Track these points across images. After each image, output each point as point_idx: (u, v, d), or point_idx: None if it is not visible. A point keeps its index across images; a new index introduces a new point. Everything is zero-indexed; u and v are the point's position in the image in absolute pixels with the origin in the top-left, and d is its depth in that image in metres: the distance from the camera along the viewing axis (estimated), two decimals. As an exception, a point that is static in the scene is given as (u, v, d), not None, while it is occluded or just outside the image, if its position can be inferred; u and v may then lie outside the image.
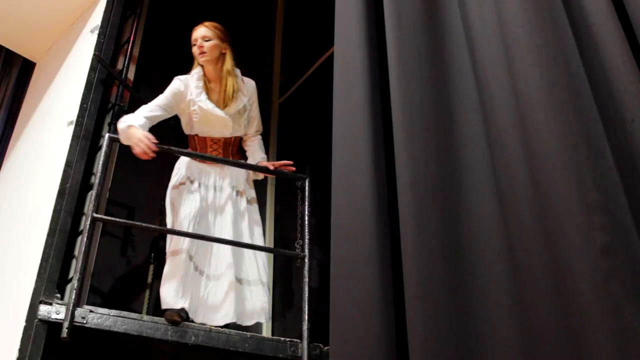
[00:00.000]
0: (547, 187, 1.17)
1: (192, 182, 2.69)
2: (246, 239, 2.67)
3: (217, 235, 2.62)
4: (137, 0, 3.32)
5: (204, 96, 2.69)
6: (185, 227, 2.53)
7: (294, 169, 2.78)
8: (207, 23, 2.76)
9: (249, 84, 2.86)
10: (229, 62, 2.74)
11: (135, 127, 2.49)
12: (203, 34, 2.72)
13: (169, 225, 2.63)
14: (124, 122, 2.52)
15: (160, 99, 2.66)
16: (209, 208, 2.67)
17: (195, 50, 2.73)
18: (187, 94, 2.69)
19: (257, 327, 3.07)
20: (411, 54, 1.60)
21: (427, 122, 1.50)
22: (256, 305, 2.57)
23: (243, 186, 2.79)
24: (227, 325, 2.46)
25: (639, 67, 1.17)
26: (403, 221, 1.41)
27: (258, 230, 2.75)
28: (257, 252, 2.68)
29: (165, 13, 3.45)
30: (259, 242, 2.74)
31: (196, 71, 2.75)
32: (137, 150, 2.46)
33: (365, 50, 1.74)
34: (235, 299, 2.50)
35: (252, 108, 2.86)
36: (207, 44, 2.70)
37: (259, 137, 2.95)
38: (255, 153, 2.86)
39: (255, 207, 2.81)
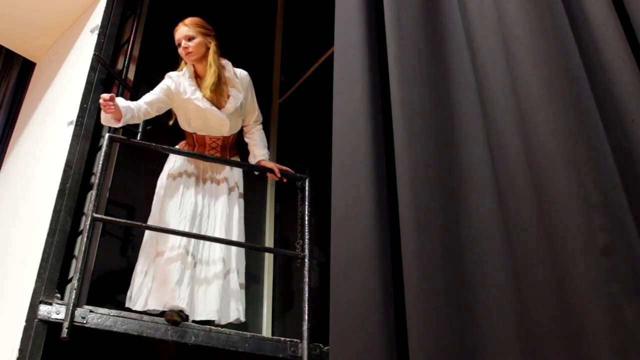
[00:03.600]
0: (547, 187, 1.17)
1: (189, 175, 2.69)
2: (235, 236, 2.65)
3: (209, 230, 2.62)
4: (137, 0, 3.32)
5: (199, 94, 2.66)
6: (177, 223, 2.53)
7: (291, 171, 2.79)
8: (187, 21, 2.72)
9: (242, 77, 2.81)
10: (211, 55, 2.69)
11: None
12: (185, 33, 2.68)
13: (154, 211, 2.63)
14: None
15: (148, 97, 2.65)
16: (204, 203, 2.66)
17: (181, 51, 2.70)
18: (182, 92, 2.66)
19: (257, 327, 3.08)
20: (411, 53, 1.60)
21: (427, 122, 1.50)
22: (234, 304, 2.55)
23: (236, 180, 2.79)
24: (207, 322, 2.46)
25: (639, 67, 1.17)
26: (403, 221, 1.41)
27: (239, 227, 2.72)
28: (237, 252, 2.66)
29: (165, 13, 3.44)
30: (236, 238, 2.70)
31: (186, 68, 2.72)
32: (103, 109, 2.43)
33: (365, 50, 1.74)
34: (220, 297, 2.49)
35: (247, 101, 2.82)
36: (191, 44, 2.67)
37: (260, 127, 2.90)
38: (257, 150, 2.82)
39: (242, 203, 2.79)
